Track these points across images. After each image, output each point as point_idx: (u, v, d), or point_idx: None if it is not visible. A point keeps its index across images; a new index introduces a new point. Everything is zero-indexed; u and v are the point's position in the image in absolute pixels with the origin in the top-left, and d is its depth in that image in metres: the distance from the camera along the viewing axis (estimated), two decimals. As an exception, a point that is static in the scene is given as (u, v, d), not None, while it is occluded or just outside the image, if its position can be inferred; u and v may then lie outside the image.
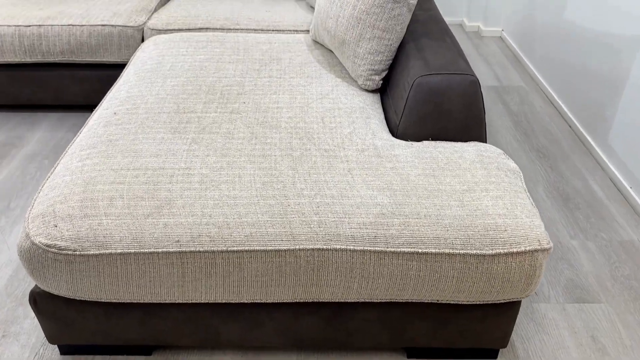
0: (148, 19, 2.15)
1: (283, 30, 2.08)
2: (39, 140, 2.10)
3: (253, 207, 1.10)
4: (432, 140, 1.39)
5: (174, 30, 2.07)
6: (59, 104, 2.24)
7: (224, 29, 2.08)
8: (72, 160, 1.26)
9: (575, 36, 2.33)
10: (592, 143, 2.07)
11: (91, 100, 2.22)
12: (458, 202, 1.12)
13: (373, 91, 1.60)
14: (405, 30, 1.54)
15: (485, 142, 1.42)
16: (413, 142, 1.35)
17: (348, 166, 1.23)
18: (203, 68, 1.67)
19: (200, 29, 2.07)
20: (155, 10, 2.28)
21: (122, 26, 2.05)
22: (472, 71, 1.39)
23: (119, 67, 2.15)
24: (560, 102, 2.39)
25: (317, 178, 1.18)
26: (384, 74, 1.57)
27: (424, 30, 1.61)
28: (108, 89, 2.19)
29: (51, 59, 2.08)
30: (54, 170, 1.26)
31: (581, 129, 2.17)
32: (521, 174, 1.25)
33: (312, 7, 2.28)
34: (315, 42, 1.88)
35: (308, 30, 2.10)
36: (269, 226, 1.07)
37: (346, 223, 1.07)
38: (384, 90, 1.62)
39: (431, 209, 1.10)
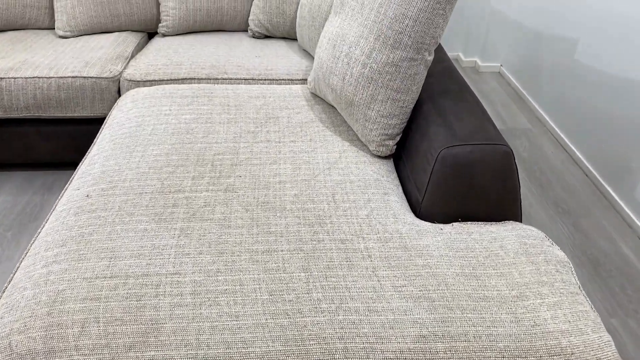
0: (124, 67, 1.94)
1: (277, 80, 1.89)
2: (0, 206, 1.86)
3: (261, 331, 0.89)
4: (462, 220, 1.20)
5: (155, 81, 1.85)
6: (25, 163, 2.00)
7: (210, 79, 1.87)
8: (36, 265, 1.03)
9: (589, 77, 2.18)
10: (616, 197, 1.91)
11: (61, 158, 1.98)
12: (511, 314, 0.92)
13: (386, 156, 1.41)
14: (420, 89, 1.36)
15: (521, 221, 1.24)
16: (441, 226, 1.15)
17: (372, 264, 1.02)
18: (190, 131, 1.46)
19: (183, 80, 1.87)
20: (132, 56, 2.07)
21: (96, 77, 1.83)
22: (504, 139, 1.21)
23: (93, 121, 1.93)
24: (573, 148, 2.24)
25: (337, 283, 0.98)
26: (398, 138, 1.38)
27: (441, 87, 1.43)
28: (80, 145, 1.96)
29: (14, 115, 1.85)
30: (12, 278, 1.03)
31: (601, 180, 2.01)
32: (571, 266, 1.07)
33: (306, 51, 2.09)
34: (315, 95, 1.69)
35: (304, 80, 1.90)
36: (282, 358, 0.85)
37: (379, 351, 0.86)
38: (398, 154, 1.43)
39: (480, 327, 0.90)
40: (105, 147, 1.42)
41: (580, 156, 2.17)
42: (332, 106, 1.63)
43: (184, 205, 1.18)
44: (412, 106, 1.35)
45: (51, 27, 2.29)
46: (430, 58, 1.31)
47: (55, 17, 2.16)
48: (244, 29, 2.34)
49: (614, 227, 1.80)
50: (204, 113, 1.56)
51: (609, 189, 1.96)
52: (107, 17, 2.19)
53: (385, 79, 1.30)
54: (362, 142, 1.44)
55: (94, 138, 1.95)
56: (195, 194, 1.22)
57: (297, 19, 2.02)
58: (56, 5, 2.15)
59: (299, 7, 1.98)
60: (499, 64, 3.03)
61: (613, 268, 1.64)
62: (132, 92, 1.71)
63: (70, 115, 1.87)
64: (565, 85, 2.35)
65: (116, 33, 2.22)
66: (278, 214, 1.16)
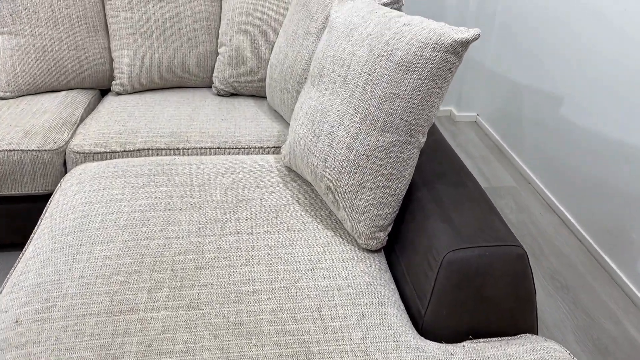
0: (71, 136, 1.71)
1: (246, 148, 1.70)
2: None
3: None
4: (473, 338, 1.02)
5: (106, 153, 1.63)
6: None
7: (170, 149, 1.66)
8: None
9: (577, 135, 2.08)
10: (615, 268, 1.78)
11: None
12: None
13: (376, 250, 1.23)
14: (413, 172, 1.20)
15: (537, 333, 1.07)
16: (451, 349, 0.97)
17: (373, 415, 0.83)
18: (146, 222, 1.24)
19: (140, 151, 1.65)
20: (82, 120, 1.85)
21: (37, 150, 1.60)
22: (515, 238, 1.05)
23: (32, 198, 1.68)
24: (563, 210, 2.12)
25: None
26: (389, 229, 1.21)
27: (435, 167, 1.26)
28: (16, 225, 1.71)
29: (-60, 195, 1.59)
30: None
31: (596, 248, 1.89)
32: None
33: (277, 112, 1.91)
34: (290, 169, 1.50)
35: (276, 148, 1.72)
36: None
37: None
38: (389, 245, 1.25)
39: None
40: (43, 247, 1.19)
41: (572, 219, 2.05)
42: (310, 183, 1.45)
43: (138, 332, 0.96)
44: (404, 192, 1.18)
45: (-11, 86, 2.04)
46: (424, 140, 1.15)
47: (-7, 76, 1.92)
48: (207, 84, 2.15)
49: (617, 304, 1.66)
50: (163, 196, 1.35)
51: (606, 258, 1.83)
52: (52, 75, 1.96)
53: (375, 164, 1.13)
54: (347, 230, 1.26)
55: (34, 215, 1.70)
56: (151, 314, 1.00)
57: (267, 79, 1.84)
58: (-6, 63, 1.91)
59: (269, 67, 1.81)
60: (476, 114, 2.93)
61: (623, 357, 1.48)
62: (79, 169, 1.48)
63: (6, 193, 1.63)
64: (550, 141, 2.24)
65: (63, 92, 1.99)
66: (254, 341, 0.95)
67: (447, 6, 2.76)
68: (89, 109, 1.98)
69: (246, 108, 1.94)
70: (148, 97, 1.99)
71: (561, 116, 2.16)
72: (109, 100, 1.96)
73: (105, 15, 2.04)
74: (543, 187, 2.26)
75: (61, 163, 1.65)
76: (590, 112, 1.98)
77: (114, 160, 1.52)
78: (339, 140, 1.17)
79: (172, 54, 2.02)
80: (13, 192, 1.62)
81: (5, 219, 1.69)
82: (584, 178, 2.01)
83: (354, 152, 1.15)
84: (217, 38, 2.09)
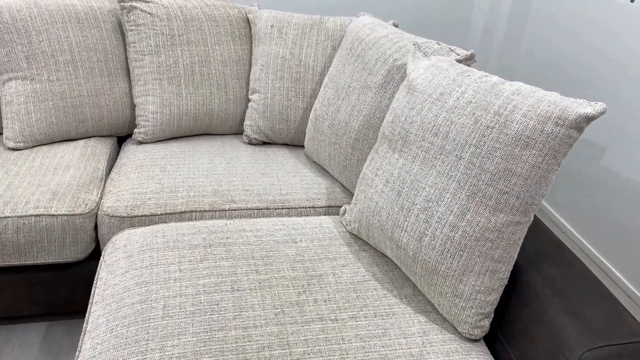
0: (100, 194, 1.55)
1: (295, 208, 1.57)
2: None
3: None
4: None
5: (145, 216, 1.47)
6: (-38, 320, 1.53)
7: (215, 211, 1.52)
8: None
9: (618, 188, 2.03)
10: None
11: (11, 311, 1.53)
12: None
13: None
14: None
15: None
16: None
17: None
18: (215, 307, 1.10)
19: (182, 214, 1.50)
20: (106, 175, 1.68)
21: (68, 215, 1.43)
22: (649, 331, 0.95)
23: (58, 266, 1.50)
24: (608, 265, 2.06)
25: None
26: (493, 315, 1.10)
27: (535, 245, 1.17)
28: (39, 295, 1.52)
29: (-47, 266, 1.40)
30: None
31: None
32: None
33: (317, 164, 1.80)
34: (353, 234, 1.38)
35: (328, 207, 1.60)
36: None
37: None
38: (491, 330, 1.14)
39: None
40: (103, 342, 1.02)
41: (620, 276, 1.99)
42: (379, 252, 1.33)
43: None
44: (509, 274, 1.08)
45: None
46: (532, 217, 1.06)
47: (4, 125, 1.74)
48: (235, 131, 2.02)
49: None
50: (226, 273, 1.21)
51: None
52: (70, 124, 1.79)
53: (485, 247, 1.02)
54: (441, 314, 1.14)
55: (57, 285, 1.52)
56: None
57: (310, 131, 1.72)
58: (5, 110, 1.73)
59: (314, 118, 1.70)
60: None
61: None
62: (122, 238, 1.32)
63: (31, 262, 1.44)
64: (588, 193, 2.20)
65: (82, 142, 1.82)
66: None
67: (471, 30, 2.72)
68: (111, 161, 1.82)
69: (283, 159, 1.82)
70: (175, 146, 1.84)
71: (598, 166, 2.12)
72: (132, 151, 1.80)
73: (126, 59, 1.89)
74: (582, 240, 2.21)
75: (92, 227, 1.48)
76: (631, 162, 1.94)
77: (159, 226, 1.37)
78: (439, 217, 1.07)
79: (201, 101, 1.88)
80: (39, 261, 1.44)
81: (25, 288, 1.50)
82: (624, 228, 1.96)
83: (459, 233, 1.04)
84: (247, 83, 1.97)
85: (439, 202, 1.07)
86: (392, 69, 1.45)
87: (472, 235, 1.03)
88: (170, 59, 1.84)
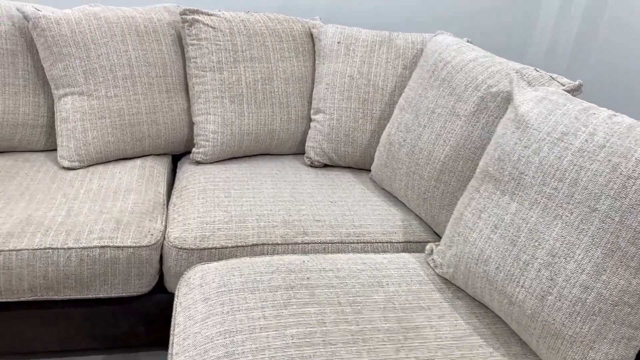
0: (165, 222, 1.45)
1: (372, 243, 1.46)
2: None
3: None
4: None
5: (215, 249, 1.37)
6: (15, 352, 1.44)
7: (287, 244, 1.42)
8: None
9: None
10: None
11: (68, 345, 1.44)
12: None
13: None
14: (651, 313, 0.98)
15: None
16: None
17: None
18: (311, 367, 0.99)
19: (253, 247, 1.40)
20: (169, 200, 1.59)
21: (134, 247, 1.33)
22: None
23: (118, 299, 1.41)
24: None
25: None
26: (622, 384, 0.98)
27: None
28: (97, 329, 1.43)
29: (13, 299, 1.31)
30: None
31: None
32: None
33: (386, 191, 1.69)
34: (445, 279, 1.27)
35: (406, 243, 1.48)
36: None
37: None
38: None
39: None
40: (192, 407, 0.92)
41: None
42: (477, 300, 1.21)
43: None
44: (642, 340, 0.96)
45: (46, 149, 1.77)
46: (674, 277, 0.94)
47: (59, 143, 1.65)
48: (294, 152, 1.92)
49: None
50: (314, 322, 1.10)
51: None
52: (127, 142, 1.70)
53: (622, 312, 0.91)
54: (558, 380, 1.03)
55: (117, 319, 1.43)
56: None
57: (383, 157, 1.61)
58: (60, 127, 1.64)
59: (388, 143, 1.59)
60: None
61: None
62: (195, 276, 1.22)
63: (93, 296, 1.35)
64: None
65: (138, 162, 1.73)
66: None
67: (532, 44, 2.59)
68: (169, 182, 1.72)
69: (349, 185, 1.71)
70: (235, 168, 1.75)
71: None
72: (191, 172, 1.71)
73: (185, 74, 1.80)
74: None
75: (158, 259, 1.38)
76: None
77: (233, 262, 1.26)
78: (567, 276, 0.95)
79: (262, 120, 1.78)
80: (101, 295, 1.35)
81: (83, 321, 1.40)
82: None
83: (593, 295, 0.92)
84: (308, 102, 1.86)
85: (568, 259, 0.95)
86: (485, 97, 1.34)
87: (608, 299, 0.91)
88: (233, 75, 1.74)
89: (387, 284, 1.24)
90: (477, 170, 1.22)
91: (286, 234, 1.43)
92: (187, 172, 1.72)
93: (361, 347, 1.06)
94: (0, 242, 1.27)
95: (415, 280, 1.27)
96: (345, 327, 1.10)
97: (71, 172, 1.62)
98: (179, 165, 1.85)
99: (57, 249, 1.29)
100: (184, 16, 1.71)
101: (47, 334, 1.40)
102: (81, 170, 1.64)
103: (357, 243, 1.45)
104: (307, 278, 1.23)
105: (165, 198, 1.58)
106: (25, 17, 1.60)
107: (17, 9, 1.61)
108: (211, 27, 1.72)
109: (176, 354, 1.05)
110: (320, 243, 1.43)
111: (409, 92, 1.59)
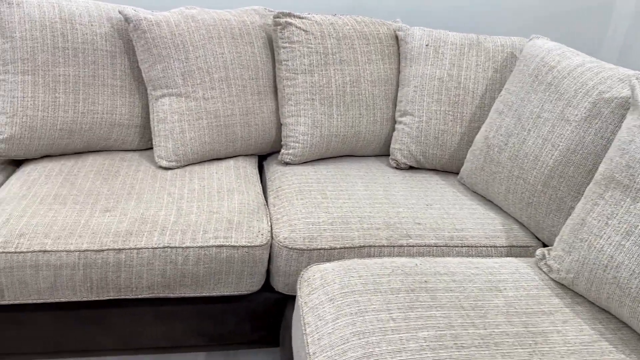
0: (270, 223, 1.47)
1: (475, 247, 1.47)
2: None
3: None
4: None
5: (323, 249, 1.40)
6: (124, 348, 1.48)
7: (393, 246, 1.43)
8: None
9: None
10: None
11: (174, 341, 1.47)
12: None
13: None
14: None
15: None
16: None
17: None
18: (451, 370, 1.00)
19: (360, 248, 1.42)
20: (268, 201, 1.61)
21: (248, 247, 1.36)
22: None
23: (227, 298, 1.44)
24: None
25: None
26: None
27: None
28: (204, 327, 1.46)
29: (131, 296, 1.34)
30: None
31: None
32: None
33: (478, 194, 1.69)
34: (561, 284, 1.27)
35: (510, 247, 1.49)
36: None
37: None
38: None
39: None
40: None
41: None
42: (596, 306, 1.21)
43: None
44: None
45: (140, 149, 1.81)
46: None
47: (156, 143, 1.68)
48: (376, 154, 1.93)
49: None
50: (442, 325, 1.11)
51: None
52: (222, 143, 1.73)
53: None
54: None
55: (225, 317, 1.45)
56: None
57: (479, 160, 1.62)
58: (157, 127, 1.68)
59: (485, 147, 1.59)
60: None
61: None
62: (315, 277, 1.24)
63: (207, 294, 1.38)
64: None
65: (231, 162, 1.76)
66: None
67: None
68: (261, 182, 1.75)
69: (439, 187, 1.72)
70: (323, 169, 1.76)
71: None
72: (281, 172, 1.73)
73: (274, 76, 1.82)
74: None
75: (266, 259, 1.41)
76: None
77: (347, 263, 1.28)
78: None
79: (350, 122, 1.80)
80: (214, 293, 1.38)
81: (193, 319, 1.44)
82: None
83: None
84: (393, 105, 1.87)
85: None
86: (598, 102, 1.34)
87: None
88: (324, 78, 1.76)
89: (505, 289, 1.25)
90: (597, 176, 1.22)
91: (390, 236, 1.44)
92: (278, 173, 1.75)
93: (494, 351, 1.07)
94: (121, 241, 1.31)
95: (532, 285, 1.27)
96: (474, 331, 1.11)
97: (169, 172, 1.65)
98: (265, 165, 1.88)
99: (176, 247, 1.32)
100: (277, 19, 1.73)
101: (157, 331, 1.44)
102: (178, 170, 1.67)
103: (461, 247, 1.46)
104: (425, 281, 1.24)
105: (264, 198, 1.60)
106: (126, 19, 1.63)
107: (119, 11, 1.64)
108: (303, 30, 1.74)
109: (313, 353, 1.07)
110: (424, 246, 1.44)
111: (507, 96, 1.59)
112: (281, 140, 1.84)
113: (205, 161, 1.75)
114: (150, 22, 1.63)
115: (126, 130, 1.75)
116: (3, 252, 1.25)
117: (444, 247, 1.45)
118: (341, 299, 1.17)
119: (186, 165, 1.71)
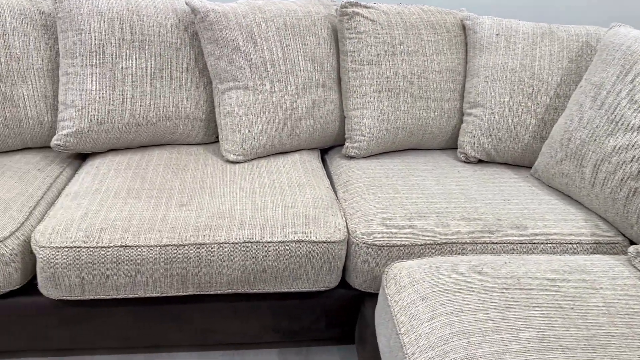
0: (344, 218, 1.44)
1: (560, 244, 1.41)
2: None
3: None
4: None
5: (404, 246, 1.36)
6: (198, 344, 1.46)
7: (476, 243, 1.38)
8: None
9: None
10: None
11: (251, 338, 1.45)
12: None
13: None
14: None
15: None
16: None
17: None
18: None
19: (442, 245, 1.37)
20: (337, 195, 1.58)
21: (328, 242, 1.33)
22: None
23: (304, 294, 1.41)
24: None
25: None
26: None
27: None
28: (280, 323, 1.43)
29: (210, 291, 1.32)
30: None
31: None
32: None
33: (552, 188, 1.63)
34: (658, 284, 1.21)
35: (596, 244, 1.43)
36: None
37: None
38: None
39: None
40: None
41: None
42: (701, 308, 1.15)
43: None
44: None
45: (203, 142, 1.79)
46: None
47: (223, 137, 1.66)
48: (442, 147, 1.88)
49: None
50: (542, 326, 1.06)
51: None
52: (287, 137, 1.70)
53: None
54: None
55: (300, 313, 1.43)
56: None
57: (559, 154, 1.55)
58: (224, 121, 1.65)
59: (565, 140, 1.52)
60: None
61: None
62: (401, 274, 1.20)
63: (286, 290, 1.36)
64: None
65: (296, 156, 1.73)
66: None
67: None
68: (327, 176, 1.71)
69: (513, 182, 1.66)
70: (389, 163, 1.72)
71: None
72: (346, 166, 1.69)
73: (338, 68, 1.78)
74: None
75: (344, 255, 1.37)
76: None
77: (432, 260, 1.24)
78: None
79: (417, 115, 1.75)
80: (292, 289, 1.35)
81: (269, 315, 1.41)
82: None
83: None
84: (460, 96, 1.82)
85: None
86: (697, 92, 1.26)
87: None
88: (391, 69, 1.71)
89: (601, 288, 1.19)
90: (703, 170, 1.15)
91: (472, 232, 1.40)
92: (343, 167, 1.71)
93: (601, 353, 1.02)
94: (201, 236, 1.29)
95: (629, 284, 1.21)
96: (577, 332, 1.06)
97: (237, 166, 1.63)
98: (327, 159, 1.85)
99: (256, 242, 1.29)
100: (344, 9, 1.69)
101: (232, 327, 1.42)
102: (246, 164, 1.65)
103: (546, 244, 1.40)
104: (518, 280, 1.20)
105: (334, 193, 1.57)
106: (193, 11, 1.61)
107: (186, 3, 1.62)
108: (370, 20, 1.70)
109: (412, 354, 1.04)
110: (508, 243, 1.39)
111: (589, 87, 1.52)
112: (344, 134, 1.81)
113: (270, 155, 1.72)
114: (218, 14, 1.60)
115: (191, 123, 1.73)
116: (85, 247, 1.24)
117: (528, 244, 1.40)
118: (434, 297, 1.13)
119: (253, 159, 1.68)
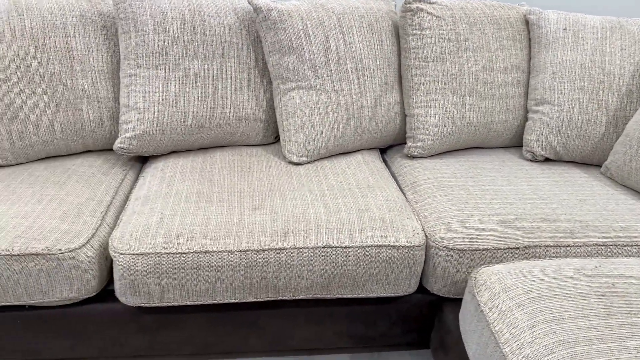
0: (418, 221, 1.40)
1: (645, 246, 1.36)
2: None
3: None
4: None
5: (486, 250, 1.32)
6: (272, 350, 1.44)
7: (559, 246, 1.34)
8: None
9: None
10: None
11: (325, 343, 1.42)
12: None
13: None
14: None
15: None
16: None
17: None
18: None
19: (526, 249, 1.33)
20: (405, 197, 1.54)
21: (408, 247, 1.29)
22: None
23: (380, 300, 1.38)
24: None
25: None
26: None
27: None
28: (355, 329, 1.40)
29: (289, 297, 1.30)
30: None
31: None
32: None
33: (625, 188, 1.58)
34: None
35: (685, 246, 1.38)
36: None
37: None
38: None
39: None
40: None
41: None
42: None
43: None
44: None
45: (263, 144, 1.77)
46: None
47: (285, 137, 1.63)
48: (505, 145, 1.84)
49: None
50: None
51: None
52: (350, 137, 1.67)
53: None
54: None
55: (376, 319, 1.40)
56: None
57: (634, 152, 1.50)
58: (286, 122, 1.63)
59: (649, 139, 1.47)
60: None
61: None
62: (491, 280, 1.17)
63: (364, 295, 1.33)
64: None
65: (358, 156, 1.70)
66: None
67: None
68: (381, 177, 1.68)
69: (584, 182, 1.61)
70: (454, 162, 1.68)
71: None
72: (410, 166, 1.66)
73: (399, 65, 1.74)
74: None
75: (423, 259, 1.34)
76: None
77: (521, 265, 1.20)
78: None
79: (482, 112, 1.71)
80: (371, 295, 1.32)
81: (345, 321, 1.39)
82: None
83: None
84: (525, 93, 1.77)
85: None
86: None
87: None
88: (456, 66, 1.67)
89: (702, 293, 1.14)
90: None
91: (554, 235, 1.35)
92: (406, 167, 1.68)
93: None
94: (280, 240, 1.26)
95: None
96: (686, 341, 1.02)
97: (301, 167, 1.60)
98: (387, 159, 1.81)
99: (335, 247, 1.27)
100: (407, 5, 1.65)
101: (307, 333, 1.39)
102: (309, 166, 1.62)
103: (631, 246, 1.35)
104: (613, 285, 1.15)
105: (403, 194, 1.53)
106: (256, 9, 1.58)
107: (249, 1, 1.59)
108: (434, 15, 1.65)
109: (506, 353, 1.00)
110: (592, 245, 1.35)
111: (671, 82, 1.46)
112: (404, 133, 1.77)
113: (332, 156, 1.69)
114: (282, 12, 1.57)
115: (252, 125, 1.70)
116: (166, 253, 1.22)
117: (613, 247, 1.35)
118: (530, 305, 1.09)
119: (316, 160, 1.65)
